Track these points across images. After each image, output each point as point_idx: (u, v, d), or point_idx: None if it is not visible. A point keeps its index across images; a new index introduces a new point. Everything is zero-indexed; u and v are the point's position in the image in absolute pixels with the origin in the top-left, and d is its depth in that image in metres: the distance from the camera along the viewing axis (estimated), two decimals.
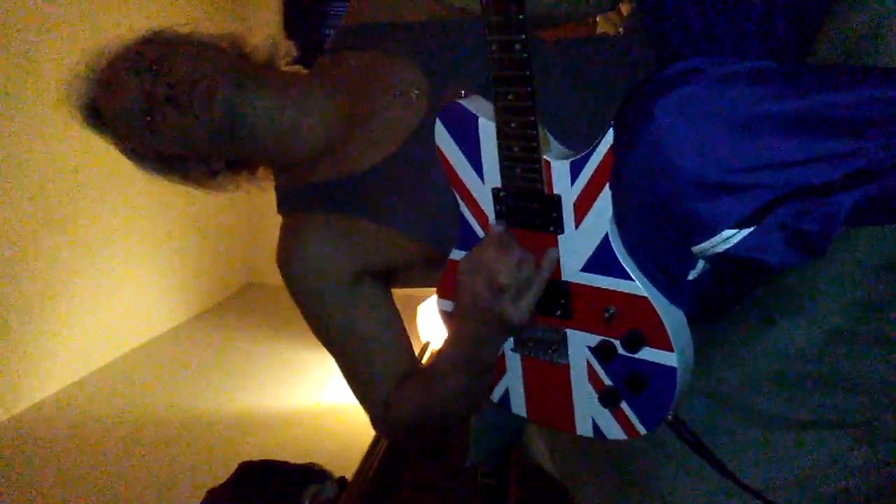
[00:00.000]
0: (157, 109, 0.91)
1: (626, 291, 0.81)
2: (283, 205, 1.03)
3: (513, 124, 0.78)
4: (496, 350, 0.92)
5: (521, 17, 0.71)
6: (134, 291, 3.52)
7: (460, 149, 0.86)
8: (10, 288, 2.83)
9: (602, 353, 0.86)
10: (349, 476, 1.83)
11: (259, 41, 1.01)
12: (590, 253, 0.82)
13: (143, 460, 2.60)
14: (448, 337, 0.93)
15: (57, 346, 3.05)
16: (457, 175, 0.88)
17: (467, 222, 0.90)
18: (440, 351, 0.94)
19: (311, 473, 1.95)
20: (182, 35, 0.97)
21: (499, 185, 0.84)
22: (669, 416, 0.85)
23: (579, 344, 0.87)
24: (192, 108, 0.90)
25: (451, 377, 0.92)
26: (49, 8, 2.91)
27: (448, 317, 0.96)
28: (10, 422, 2.80)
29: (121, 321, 3.43)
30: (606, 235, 0.80)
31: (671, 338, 0.80)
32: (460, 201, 0.90)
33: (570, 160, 0.79)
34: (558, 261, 0.85)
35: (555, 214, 0.82)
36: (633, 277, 0.80)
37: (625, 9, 0.95)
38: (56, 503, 2.35)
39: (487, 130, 0.83)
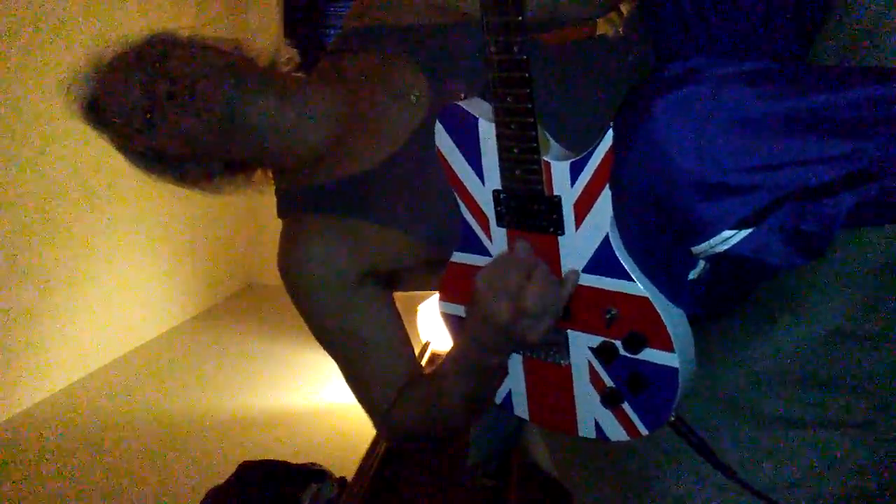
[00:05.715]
0: (158, 107, 0.91)
1: (626, 292, 0.81)
2: (284, 208, 1.02)
3: (512, 126, 0.78)
4: (505, 358, 0.91)
5: (520, 18, 0.71)
6: (134, 292, 3.52)
7: (460, 150, 0.86)
8: (10, 288, 2.83)
9: (603, 353, 0.85)
10: (349, 476, 1.83)
11: (261, 47, 1.01)
12: (590, 254, 0.82)
13: (143, 460, 2.59)
14: (456, 342, 0.93)
15: (57, 346, 3.05)
16: (457, 176, 0.88)
17: (468, 224, 0.90)
18: (447, 356, 0.93)
19: (311, 473, 1.96)
20: (184, 37, 0.97)
21: (499, 186, 0.84)
22: (671, 417, 0.85)
23: (581, 345, 0.87)
24: (192, 106, 0.90)
25: (457, 383, 0.91)
26: (49, 8, 2.91)
27: (451, 320, 0.96)
28: (10, 422, 2.80)
29: (121, 321, 3.42)
30: (607, 236, 0.80)
31: (672, 338, 0.80)
32: (461, 203, 0.89)
33: (570, 161, 0.79)
34: (560, 262, 0.84)
35: (555, 216, 0.82)
36: (634, 278, 0.80)
37: (625, 9, 0.95)
38: (56, 503, 2.35)
39: (487, 132, 0.82)
